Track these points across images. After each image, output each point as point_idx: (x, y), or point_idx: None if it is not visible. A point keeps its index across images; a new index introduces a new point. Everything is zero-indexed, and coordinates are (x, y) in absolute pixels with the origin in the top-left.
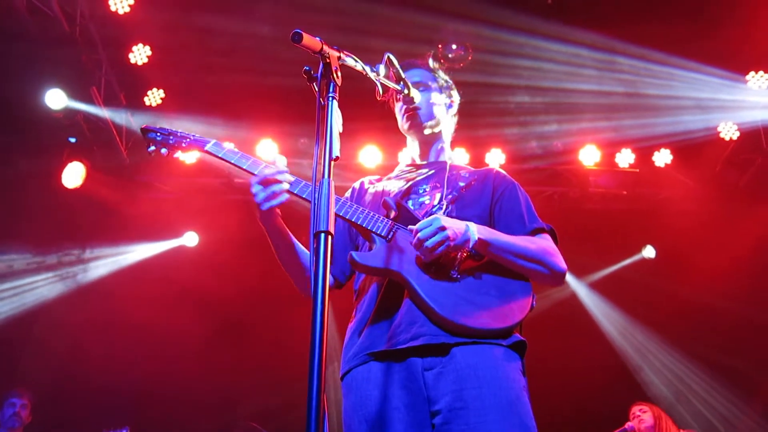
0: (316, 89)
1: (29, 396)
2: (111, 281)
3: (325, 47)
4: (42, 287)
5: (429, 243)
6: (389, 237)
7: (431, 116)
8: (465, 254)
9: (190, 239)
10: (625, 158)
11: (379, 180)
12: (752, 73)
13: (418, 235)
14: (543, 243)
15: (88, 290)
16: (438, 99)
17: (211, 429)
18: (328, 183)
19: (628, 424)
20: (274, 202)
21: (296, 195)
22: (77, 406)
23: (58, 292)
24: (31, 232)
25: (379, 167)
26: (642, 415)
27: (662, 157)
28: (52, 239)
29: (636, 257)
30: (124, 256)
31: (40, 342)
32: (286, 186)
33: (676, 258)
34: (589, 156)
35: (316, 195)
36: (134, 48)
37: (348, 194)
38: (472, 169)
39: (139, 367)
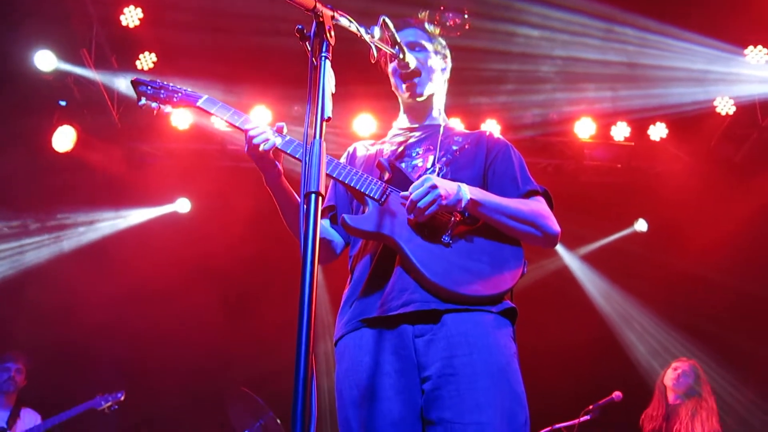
0: (309, 48)
1: (24, 360)
2: (103, 246)
3: (319, 5)
4: (32, 251)
5: (421, 203)
6: (382, 200)
7: (427, 79)
8: (458, 218)
9: (182, 205)
10: (621, 131)
11: (372, 144)
12: (751, 47)
13: (411, 195)
14: (536, 205)
15: (79, 254)
16: (433, 61)
17: (203, 394)
18: (319, 143)
19: (615, 394)
20: (266, 146)
21: (289, 154)
22: (72, 371)
23: (48, 255)
24: (21, 195)
25: (373, 135)
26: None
27: (657, 131)
28: (42, 203)
29: (628, 230)
30: (116, 221)
31: (34, 306)
32: (273, 137)
33: (670, 231)
34: (585, 128)
35: (307, 155)
36: (125, 10)
37: (343, 159)
38: (466, 131)
39: (132, 333)
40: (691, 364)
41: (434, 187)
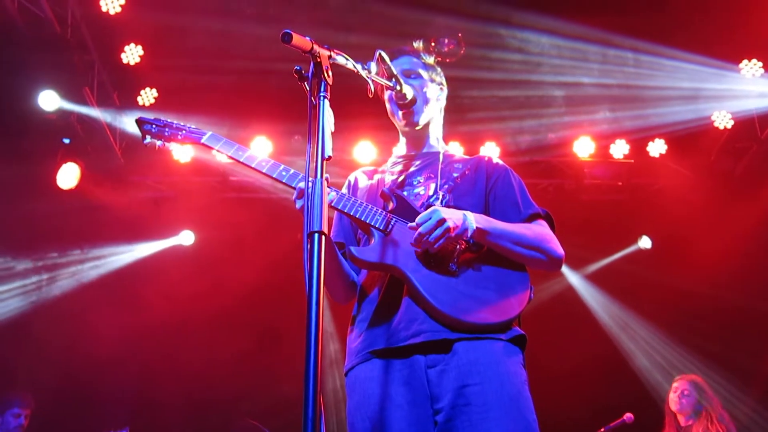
0: (308, 89)
1: (30, 403)
2: (108, 281)
3: (316, 46)
4: (39, 289)
5: (431, 237)
6: (387, 230)
7: (423, 108)
8: (463, 246)
9: (186, 238)
10: (620, 149)
11: (374, 172)
12: (745, 61)
13: (420, 229)
14: (540, 230)
15: (85, 290)
16: (429, 89)
17: (210, 427)
18: (321, 183)
19: (626, 416)
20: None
21: (285, 183)
22: (78, 406)
23: (55, 293)
24: (27, 233)
25: (373, 163)
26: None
27: (657, 147)
28: (48, 240)
29: (632, 248)
30: (121, 256)
31: (39, 343)
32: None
33: (672, 248)
34: (584, 147)
35: (309, 196)
36: (126, 48)
37: (344, 189)
38: (465, 157)
39: (138, 367)
40: (689, 380)
41: (442, 221)
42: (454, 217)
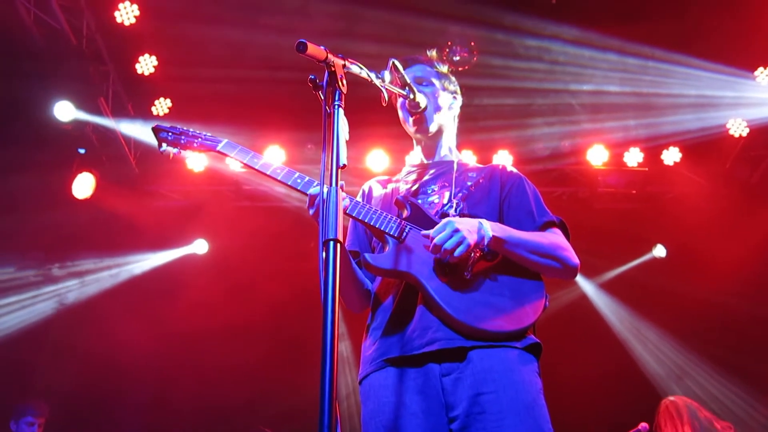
0: (322, 98)
1: (45, 410)
2: (122, 290)
3: (330, 56)
4: (54, 298)
5: (448, 245)
6: (402, 237)
7: (436, 116)
8: (478, 254)
9: (200, 247)
10: (634, 157)
11: (388, 181)
12: (761, 68)
13: (435, 240)
14: (554, 238)
15: (101, 299)
16: (442, 98)
17: None
18: (336, 191)
19: (641, 425)
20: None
21: (300, 191)
22: (93, 415)
23: (70, 302)
24: (43, 243)
25: (386, 171)
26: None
27: (671, 156)
28: (63, 250)
29: (646, 257)
30: (135, 265)
31: (54, 352)
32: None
33: (687, 257)
34: (598, 156)
35: (324, 204)
36: (141, 58)
37: (359, 197)
38: (479, 166)
39: (152, 375)
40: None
41: (457, 230)
42: (468, 225)
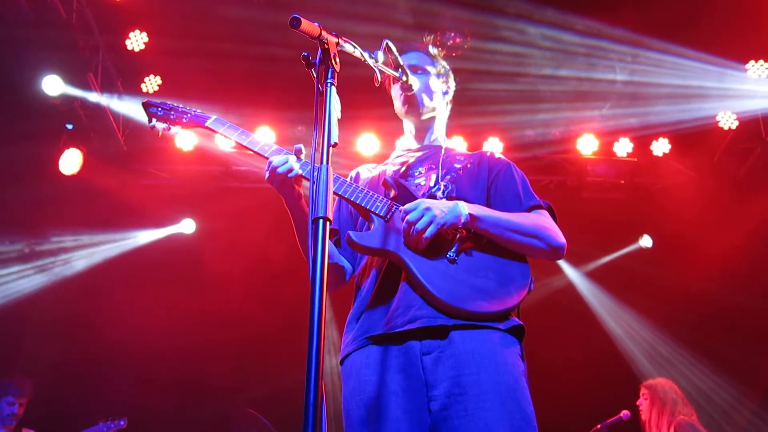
0: (315, 75)
1: (28, 389)
2: (108, 268)
3: (324, 33)
4: (37, 274)
5: (419, 225)
6: (388, 217)
7: (427, 100)
8: (464, 233)
9: (187, 226)
10: (623, 147)
11: (375, 167)
12: (752, 61)
13: (407, 218)
14: (538, 218)
15: (84, 277)
16: (435, 84)
17: (209, 417)
18: (326, 169)
19: (623, 413)
20: (290, 174)
21: (307, 178)
22: (74, 397)
23: (54, 278)
24: (28, 219)
25: (376, 155)
26: (642, 401)
27: (660, 147)
28: (48, 226)
29: (633, 246)
30: (122, 242)
31: (37, 331)
32: (295, 165)
33: (673, 247)
34: (587, 145)
35: (314, 181)
36: (131, 34)
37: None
38: (467, 152)
39: (135, 356)
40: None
41: (428, 208)
42: (440, 205)
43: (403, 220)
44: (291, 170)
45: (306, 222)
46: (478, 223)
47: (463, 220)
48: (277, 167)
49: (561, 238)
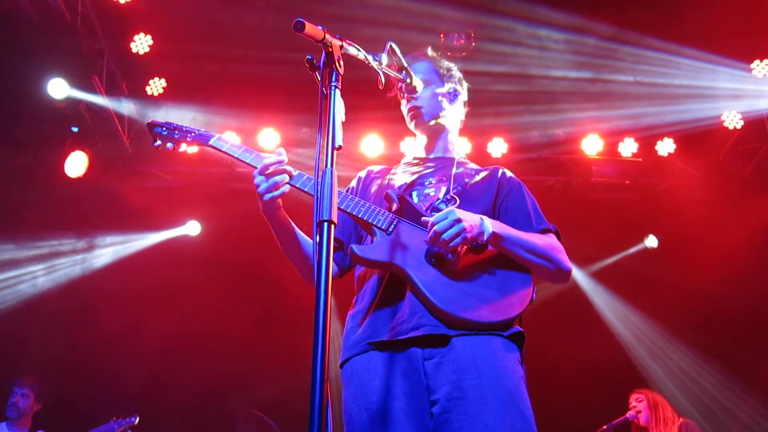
0: (319, 78)
1: (32, 384)
2: (114, 270)
3: (328, 36)
4: (45, 276)
5: (446, 235)
6: (389, 230)
7: (435, 110)
8: (466, 247)
9: (192, 228)
10: (628, 147)
11: (386, 171)
12: (757, 61)
13: (435, 227)
14: (551, 240)
15: (91, 279)
16: (441, 92)
17: (214, 417)
18: (331, 172)
19: (629, 413)
20: (276, 192)
21: (298, 188)
22: (85, 397)
23: (61, 280)
24: (34, 221)
25: (380, 157)
26: (638, 404)
27: (665, 147)
28: (55, 229)
29: (638, 247)
30: (127, 245)
31: (46, 331)
32: (287, 178)
33: (679, 247)
34: (592, 145)
35: (319, 184)
36: (136, 37)
37: (354, 183)
38: (479, 167)
39: (144, 357)
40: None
41: (459, 220)
42: (470, 219)
43: (428, 226)
44: (278, 187)
45: (285, 229)
46: (499, 242)
47: (485, 237)
48: (263, 193)
49: (569, 263)
